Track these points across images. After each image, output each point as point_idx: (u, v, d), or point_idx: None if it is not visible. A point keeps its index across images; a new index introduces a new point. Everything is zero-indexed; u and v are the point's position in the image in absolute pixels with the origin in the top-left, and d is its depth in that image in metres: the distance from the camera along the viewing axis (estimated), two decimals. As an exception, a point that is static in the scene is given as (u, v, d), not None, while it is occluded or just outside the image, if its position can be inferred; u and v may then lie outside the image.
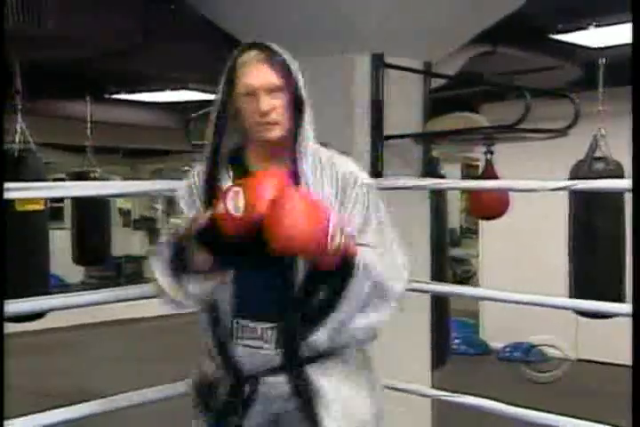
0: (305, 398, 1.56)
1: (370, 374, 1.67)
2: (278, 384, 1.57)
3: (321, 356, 1.57)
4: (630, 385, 1.18)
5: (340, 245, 1.39)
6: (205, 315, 1.62)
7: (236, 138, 1.61)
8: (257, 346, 1.56)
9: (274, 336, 1.55)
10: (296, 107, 1.55)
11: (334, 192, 1.56)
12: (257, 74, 1.52)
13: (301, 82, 1.57)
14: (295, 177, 1.54)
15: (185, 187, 1.66)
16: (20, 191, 2.17)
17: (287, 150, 1.57)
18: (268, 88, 1.52)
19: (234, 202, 1.40)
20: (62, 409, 2.06)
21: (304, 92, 1.56)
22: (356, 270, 1.47)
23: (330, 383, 1.57)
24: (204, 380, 1.65)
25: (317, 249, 1.37)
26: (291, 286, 1.53)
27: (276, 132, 1.54)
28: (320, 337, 1.52)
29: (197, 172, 1.65)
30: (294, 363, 1.56)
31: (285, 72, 1.54)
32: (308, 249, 1.39)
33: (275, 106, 1.52)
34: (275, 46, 1.57)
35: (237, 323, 1.57)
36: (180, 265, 1.52)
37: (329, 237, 1.36)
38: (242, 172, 1.59)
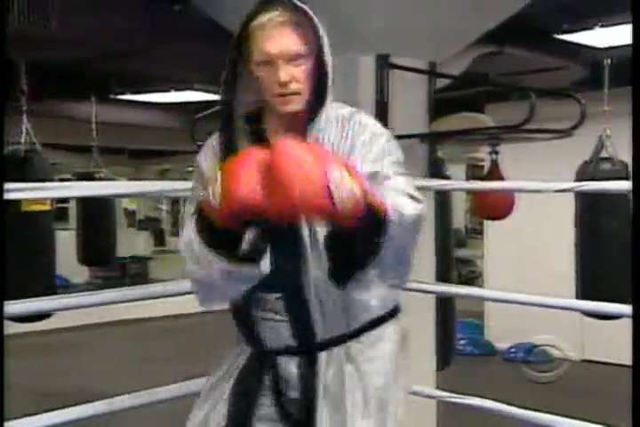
0: (308, 394, 1.44)
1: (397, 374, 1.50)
2: (291, 367, 1.46)
3: (342, 339, 1.45)
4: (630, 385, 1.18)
5: (352, 199, 1.13)
6: None
7: (253, 104, 1.44)
8: (270, 318, 1.45)
9: (284, 308, 1.44)
10: (319, 74, 1.37)
11: (347, 148, 1.39)
12: (277, 40, 1.32)
13: (326, 45, 1.38)
14: None
15: (205, 149, 1.52)
16: (26, 192, 2.18)
17: (305, 122, 1.40)
18: (289, 56, 1.33)
19: (213, 188, 1.20)
20: (65, 410, 2.06)
21: (329, 57, 1.38)
22: (387, 219, 1.23)
23: (343, 385, 1.43)
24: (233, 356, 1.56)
25: (322, 210, 1.14)
26: (299, 252, 1.38)
27: (295, 105, 1.37)
28: (370, 297, 1.38)
29: (217, 136, 1.49)
30: (309, 343, 1.44)
31: (309, 36, 1.35)
32: (309, 213, 1.16)
33: (295, 75, 1.34)
34: (298, 3, 1.36)
35: (255, 293, 1.44)
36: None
37: (333, 194, 1.11)
38: (260, 139, 1.42)
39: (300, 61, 1.34)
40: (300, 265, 1.40)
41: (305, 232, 1.38)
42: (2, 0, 2.22)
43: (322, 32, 1.37)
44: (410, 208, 1.29)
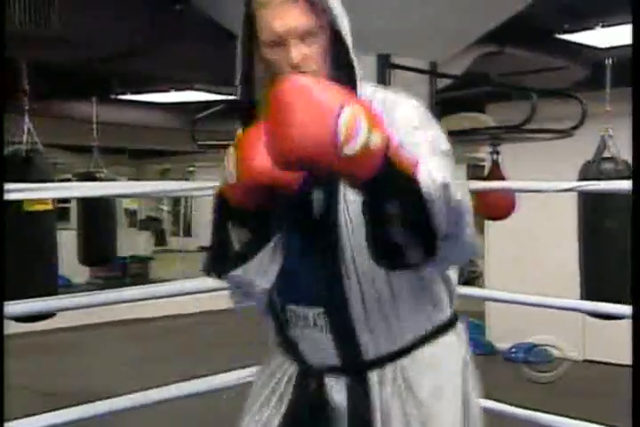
0: (359, 417, 1.27)
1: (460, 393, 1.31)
2: (338, 388, 1.30)
3: (393, 356, 1.28)
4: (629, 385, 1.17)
5: (367, 144, 0.94)
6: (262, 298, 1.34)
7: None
8: (313, 336, 1.29)
9: (327, 323, 1.27)
10: (339, 49, 1.24)
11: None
12: (283, 16, 1.18)
13: (341, 18, 1.24)
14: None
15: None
16: (28, 192, 2.18)
17: None
18: (299, 33, 1.19)
19: (226, 166, 1.12)
20: (67, 410, 2.06)
21: (347, 32, 1.25)
22: (416, 179, 1.03)
23: (396, 408, 1.26)
24: (274, 371, 1.39)
25: (325, 153, 0.94)
26: (335, 258, 1.23)
27: None
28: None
29: None
30: (354, 362, 1.28)
31: (320, 8, 1.20)
32: (312, 160, 0.94)
33: (308, 55, 1.20)
34: None
35: (289, 309, 1.30)
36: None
37: (340, 135, 0.93)
38: None
39: (313, 39, 1.21)
40: (338, 267, 1.24)
41: (342, 223, 1.21)
42: (2, 1, 2.23)
43: (333, 4, 1.23)
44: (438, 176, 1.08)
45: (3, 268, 2.04)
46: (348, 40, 1.26)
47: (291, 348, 1.35)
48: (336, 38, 1.24)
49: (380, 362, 1.28)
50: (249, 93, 1.27)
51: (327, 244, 1.24)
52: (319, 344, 1.29)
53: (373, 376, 1.28)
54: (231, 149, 1.13)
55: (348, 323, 1.26)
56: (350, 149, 0.94)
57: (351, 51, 1.26)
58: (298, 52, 1.19)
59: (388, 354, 1.28)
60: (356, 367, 1.29)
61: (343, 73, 1.25)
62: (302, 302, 1.28)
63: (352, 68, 1.26)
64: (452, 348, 1.36)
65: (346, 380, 1.29)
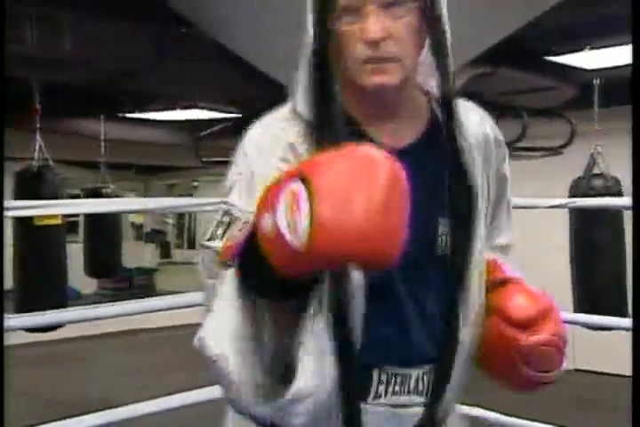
0: None
1: None
2: None
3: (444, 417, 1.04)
4: (626, 394, 1.21)
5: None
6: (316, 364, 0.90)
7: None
8: (404, 403, 0.96)
9: (428, 384, 0.97)
10: (432, 30, 0.92)
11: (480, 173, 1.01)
12: None
13: None
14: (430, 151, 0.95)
15: (267, 141, 0.95)
16: (37, 209, 2.29)
17: (415, 103, 0.98)
18: (382, 0, 0.88)
19: (286, 213, 0.71)
20: (74, 419, 2.12)
21: (443, 9, 0.92)
22: None
23: None
24: None
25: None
26: (455, 302, 0.97)
27: (390, 76, 0.90)
28: None
29: (288, 130, 0.94)
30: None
31: None
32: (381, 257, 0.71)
33: (392, 31, 0.88)
34: None
35: (382, 372, 0.94)
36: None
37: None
38: (351, 137, 0.89)
39: (401, 11, 0.89)
40: (456, 313, 0.96)
41: (473, 259, 1.00)
42: (2, 7, 2.33)
43: None
44: None
45: (2, 275, 2.13)
46: (447, 24, 0.93)
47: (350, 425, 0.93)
48: (430, 17, 0.91)
49: (439, 424, 1.02)
50: (325, 82, 0.91)
51: (454, 285, 0.97)
52: (408, 412, 0.96)
53: None
54: (296, 186, 0.71)
55: (447, 381, 0.98)
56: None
57: (448, 37, 0.92)
58: (379, 25, 0.87)
59: (443, 415, 1.02)
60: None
61: (433, 71, 0.94)
62: (408, 361, 0.96)
63: (445, 65, 0.94)
64: None
65: None
